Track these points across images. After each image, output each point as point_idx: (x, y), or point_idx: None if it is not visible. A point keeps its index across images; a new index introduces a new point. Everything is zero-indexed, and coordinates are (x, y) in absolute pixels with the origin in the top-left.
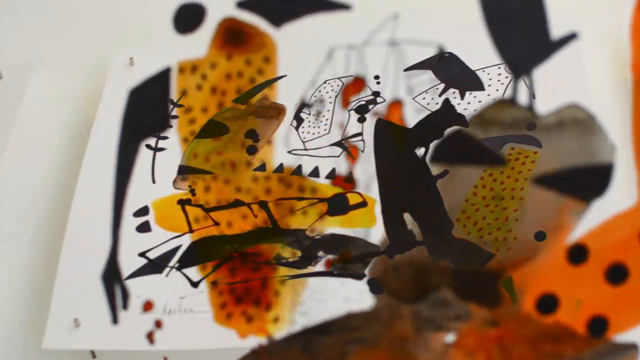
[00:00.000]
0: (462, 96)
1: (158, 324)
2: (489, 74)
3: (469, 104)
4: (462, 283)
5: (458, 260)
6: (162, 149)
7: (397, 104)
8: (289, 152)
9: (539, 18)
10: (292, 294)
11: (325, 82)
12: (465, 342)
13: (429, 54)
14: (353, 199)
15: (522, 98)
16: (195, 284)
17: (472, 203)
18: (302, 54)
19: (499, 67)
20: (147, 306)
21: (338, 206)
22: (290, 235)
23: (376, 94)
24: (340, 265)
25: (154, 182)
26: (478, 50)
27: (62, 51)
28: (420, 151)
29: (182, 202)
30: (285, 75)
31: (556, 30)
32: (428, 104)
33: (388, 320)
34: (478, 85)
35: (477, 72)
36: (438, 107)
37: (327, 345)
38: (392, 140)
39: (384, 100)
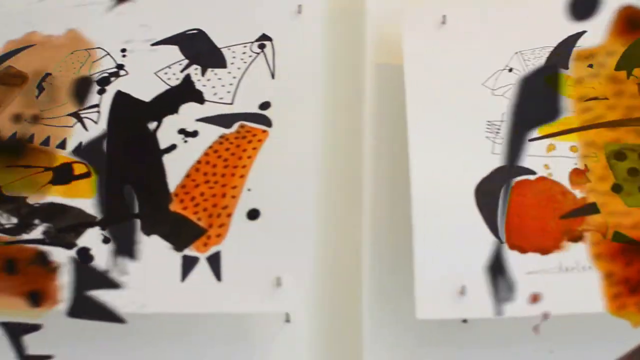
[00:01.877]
0: (204, 73)
1: None
2: (234, 52)
3: (208, 81)
4: None
5: (169, 234)
6: None
7: None
8: (25, 120)
9: None
10: None
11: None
12: None
13: None
14: (78, 169)
15: None
16: None
17: (192, 179)
18: None
19: (245, 46)
20: None
21: (62, 176)
22: (11, 203)
23: (120, 66)
24: (53, 234)
25: None
26: None
27: None
28: (152, 125)
29: None
30: (34, 45)
31: None
32: (169, 79)
33: None
34: (220, 63)
35: (222, 49)
36: (178, 82)
37: None
38: (128, 113)
39: (127, 74)
